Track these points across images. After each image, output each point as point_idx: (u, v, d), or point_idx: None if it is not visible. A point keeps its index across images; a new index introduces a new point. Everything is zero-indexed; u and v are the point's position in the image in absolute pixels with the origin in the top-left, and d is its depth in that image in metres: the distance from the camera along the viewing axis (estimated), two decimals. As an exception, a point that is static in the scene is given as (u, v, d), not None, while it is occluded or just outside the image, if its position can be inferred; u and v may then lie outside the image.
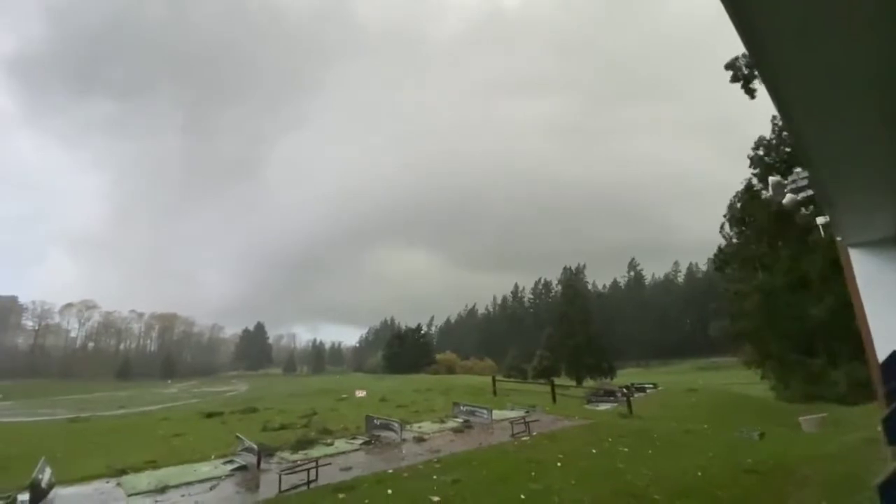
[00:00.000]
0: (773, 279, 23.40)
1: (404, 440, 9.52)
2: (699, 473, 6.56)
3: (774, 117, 24.16)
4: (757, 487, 5.94)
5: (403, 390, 22.86)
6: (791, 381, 22.81)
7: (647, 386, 24.36)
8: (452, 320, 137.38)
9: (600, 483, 6.09)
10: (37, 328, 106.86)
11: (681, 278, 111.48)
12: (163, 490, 6.47)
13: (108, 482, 6.99)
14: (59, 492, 6.46)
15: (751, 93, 21.45)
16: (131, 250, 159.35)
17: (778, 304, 22.53)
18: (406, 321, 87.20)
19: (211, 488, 6.57)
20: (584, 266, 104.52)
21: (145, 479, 7.03)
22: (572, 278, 79.35)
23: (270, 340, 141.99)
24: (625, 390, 17.64)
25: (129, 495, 6.30)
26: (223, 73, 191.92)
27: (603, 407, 15.07)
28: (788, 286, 22.41)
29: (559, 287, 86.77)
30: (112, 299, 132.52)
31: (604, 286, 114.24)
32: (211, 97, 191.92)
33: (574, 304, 56.98)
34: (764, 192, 25.05)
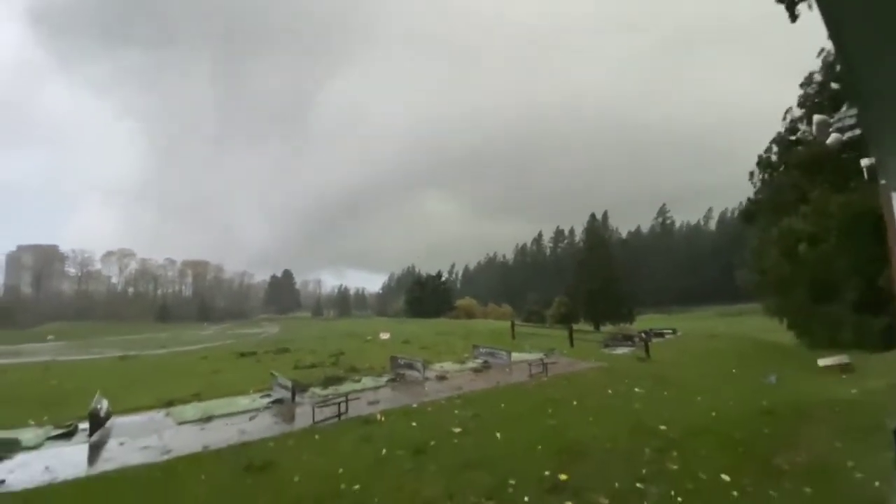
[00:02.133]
0: (801, 227, 22.44)
1: (427, 378, 10.01)
2: (713, 414, 6.75)
3: (823, 50, 22.00)
4: (771, 428, 6.09)
5: (425, 334, 23.72)
6: (814, 329, 22.55)
7: (666, 331, 24.50)
8: (472, 268, 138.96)
9: (616, 421, 6.34)
10: (79, 275, 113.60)
11: (713, 225, 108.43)
12: (208, 419, 7.08)
13: (158, 412, 7.69)
14: (116, 421, 7.15)
15: (793, 15, 19.28)
16: (166, 199, 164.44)
17: (803, 252, 21.77)
18: (428, 268, 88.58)
19: (251, 419, 7.15)
20: (608, 213, 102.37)
21: (191, 410, 7.69)
22: (596, 224, 77.99)
23: (298, 286, 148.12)
24: (643, 335, 17.81)
25: (179, 423, 6.93)
26: (265, 17, 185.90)
27: (620, 351, 15.33)
28: (816, 234, 21.48)
29: (583, 235, 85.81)
30: (147, 247, 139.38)
31: (628, 233, 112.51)
32: (251, 42, 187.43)
33: (595, 250, 56.58)
34: (807, 133, 23.40)
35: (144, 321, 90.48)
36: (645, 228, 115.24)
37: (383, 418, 6.73)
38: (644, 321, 48.99)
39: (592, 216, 74.41)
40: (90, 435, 6.25)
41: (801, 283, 22.47)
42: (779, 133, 25.55)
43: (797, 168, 23.22)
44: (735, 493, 4.04)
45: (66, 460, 5.37)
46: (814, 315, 22.40)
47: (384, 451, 5.26)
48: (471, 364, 12.05)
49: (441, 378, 10.18)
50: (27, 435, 6.33)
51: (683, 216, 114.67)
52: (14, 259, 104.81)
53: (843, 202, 20.17)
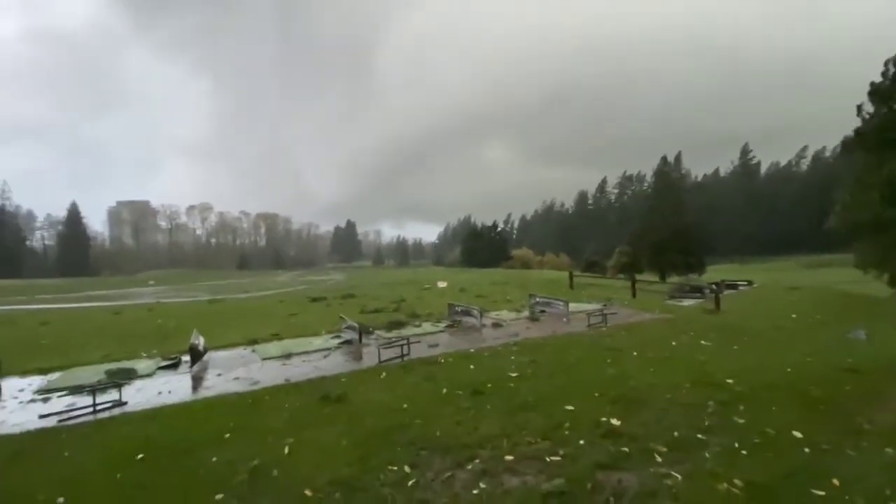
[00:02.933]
0: None
1: (483, 325, 10.29)
2: (788, 369, 6.37)
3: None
4: (854, 386, 5.66)
5: (481, 282, 24.06)
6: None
7: (740, 283, 22.93)
8: (529, 217, 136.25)
9: (678, 372, 6.20)
10: (169, 227, 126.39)
11: (805, 166, 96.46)
12: (288, 356, 7.88)
13: (245, 349, 8.66)
14: (212, 355, 8.17)
15: None
16: (239, 155, 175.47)
17: None
18: (485, 218, 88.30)
19: (324, 356, 7.85)
20: (681, 154, 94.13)
21: (273, 348, 8.58)
22: (667, 167, 71.95)
23: (359, 236, 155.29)
24: (714, 286, 16.80)
25: (263, 359, 7.78)
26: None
27: (687, 303, 14.65)
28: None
29: (652, 179, 79.99)
30: (225, 201, 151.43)
31: (704, 176, 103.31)
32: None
33: (663, 195, 52.82)
34: None
35: (228, 269, 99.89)
36: (725, 171, 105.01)
37: (443, 360, 7.09)
38: (716, 272, 45.90)
39: (664, 159, 68.94)
40: (191, 366, 7.23)
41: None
42: (892, 58, 21.46)
43: None
44: (807, 449, 3.88)
45: (174, 387, 6.31)
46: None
47: (444, 390, 5.60)
48: (526, 313, 12.16)
49: (497, 325, 10.42)
50: (141, 365, 7.45)
51: (773, 157, 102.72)
52: (115, 213, 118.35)
53: None
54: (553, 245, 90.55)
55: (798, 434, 4.17)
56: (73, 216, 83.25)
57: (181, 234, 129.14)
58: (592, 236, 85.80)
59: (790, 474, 3.44)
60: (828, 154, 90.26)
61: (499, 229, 78.29)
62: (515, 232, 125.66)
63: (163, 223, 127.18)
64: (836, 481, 3.32)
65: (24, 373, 7.18)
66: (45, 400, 5.85)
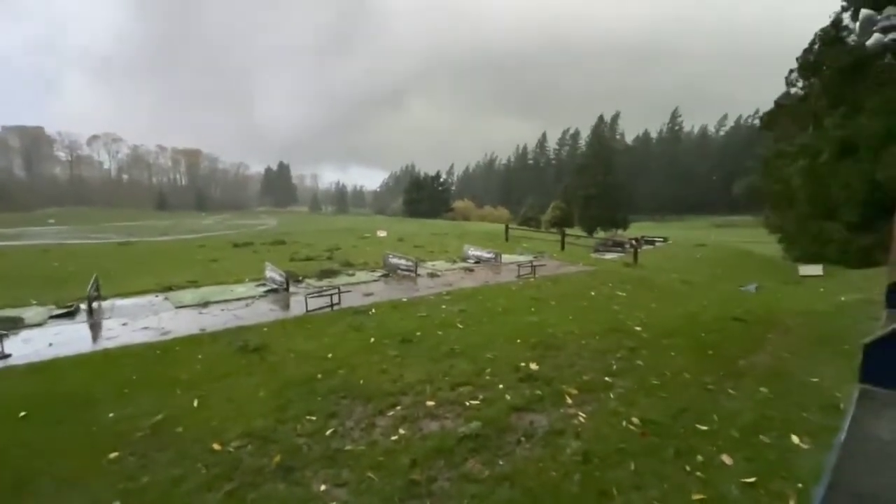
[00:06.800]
0: (825, 139, 21.43)
1: (419, 275, 10.31)
2: (688, 318, 7.07)
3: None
4: (740, 332, 6.43)
5: (421, 233, 24.01)
6: (803, 243, 22.93)
7: (656, 239, 24.93)
8: (471, 169, 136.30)
9: (594, 320, 6.65)
10: (70, 159, 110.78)
11: (723, 132, 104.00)
12: (205, 305, 7.37)
13: (157, 296, 7.97)
14: (117, 302, 7.44)
15: None
16: (156, 79, 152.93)
17: (823, 167, 21.10)
18: (429, 168, 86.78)
19: (247, 305, 7.45)
20: (618, 115, 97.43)
21: (189, 295, 7.98)
22: (602, 128, 74.52)
23: (294, 180, 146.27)
24: (633, 242, 18.11)
25: (177, 307, 7.22)
26: None
27: (609, 256, 15.70)
28: (841, 149, 20.61)
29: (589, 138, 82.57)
30: (136, 132, 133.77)
31: (635, 138, 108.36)
32: None
33: (596, 154, 55.03)
34: (851, 35, 21.16)
35: (144, 209, 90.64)
36: (654, 132, 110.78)
37: (374, 310, 7.02)
38: (638, 228, 49.54)
39: (600, 118, 71.17)
40: (90, 315, 6.53)
41: (804, 199, 22.28)
42: (822, 30, 23.11)
43: (839, 72, 21.38)
44: (694, 389, 4.35)
45: (70, 337, 5.67)
46: (805, 230, 22.63)
47: (372, 339, 5.56)
48: (462, 264, 12.35)
49: (432, 276, 10.48)
50: (30, 313, 6.61)
51: (699, 122, 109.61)
52: (1, 140, 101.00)
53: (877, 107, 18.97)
54: (494, 198, 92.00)
55: (688, 376, 4.66)
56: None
57: (85, 168, 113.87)
58: (532, 189, 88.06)
59: (680, 412, 3.85)
60: (742, 121, 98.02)
61: (441, 180, 77.66)
62: (456, 183, 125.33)
63: (61, 154, 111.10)
64: (716, 417, 3.77)
65: None
66: None
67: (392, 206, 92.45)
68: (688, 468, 3.00)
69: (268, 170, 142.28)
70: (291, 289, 8.52)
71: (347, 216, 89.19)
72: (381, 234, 22.49)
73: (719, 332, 6.31)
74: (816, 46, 23.25)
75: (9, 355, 4.96)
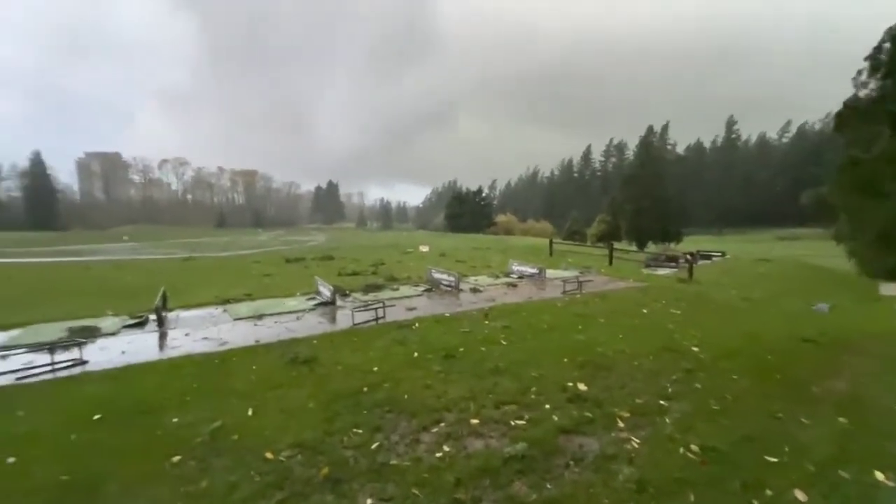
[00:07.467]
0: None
1: (461, 290, 10.30)
2: (750, 339, 6.58)
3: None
4: (812, 355, 5.89)
5: (463, 248, 24.07)
6: (881, 258, 20.74)
7: (713, 253, 23.54)
8: (514, 183, 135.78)
9: (646, 339, 6.34)
10: (142, 182, 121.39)
11: (787, 139, 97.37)
12: (259, 317, 7.75)
13: (216, 308, 8.47)
14: (181, 314, 7.98)
15: None
16: (222, 107, 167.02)
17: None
18: (473, 183, 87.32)
19: (297, 318, 7.74)
20: (668, 125, 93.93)
21: (245, 308, 8.42)
22: (652, 138, 71.78)
23: (342, 198, 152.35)
24: (688, 256, 17.17)
25: (234, 319, 7.63)
26: None
27: (662, 272, 14.97)
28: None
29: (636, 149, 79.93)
30: (201, 155, 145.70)
31: (687, 147, 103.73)
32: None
33: (645, 165, 52.97)
34: None
35: (205, 226, 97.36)
36: (708, 141, 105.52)
37: (417, 325, 7.08)
38: (692, 242, 47.01)
39: (650, 129, 68.69)
40: (158, 325, 7.04)
41: (882, 211, 20.24)
42: (892, 27, 21.23)
43: None
44: (761, 416, 4.02)
45: (140, 346, 6.14)
46: (889, 244, 20.47)
47: (416, 354, 5.60)
48: (505, 279, 12.22)
49: (475, 291, 10.44)
50: (106, 323, 7.23)
51: (756, 130, 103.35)
52: (84, 165, 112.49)
53: None
54: (537, 212, 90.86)
55: (753, 401, 4.31)
56: (37, 167, 78.73)
57: (155, 189, 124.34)
58: (576, 203, 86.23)
59: (745, 440, 3.56)
60: (808, 127, 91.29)
61: (483, 194, 77.87)
62: (497, 198, 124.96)
63: (135, 177, 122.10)
64: (787, 448, 3.45)
65: (-20, 329, 6.89)
66: (4, 357, 5.64)
67: (434, 222, 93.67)
68: (755, 503, 2.76)
69: (318, 188, 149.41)
70: (339, 302, 8.78)
71: (391, 232, 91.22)
72: (424, 249, 22.77)
73: (788, 355, 5.81)
74: (888, 45, 21.34)
75: (86, 361, 5.43)
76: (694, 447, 3.42)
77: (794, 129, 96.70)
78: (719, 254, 23.76)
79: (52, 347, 5.45)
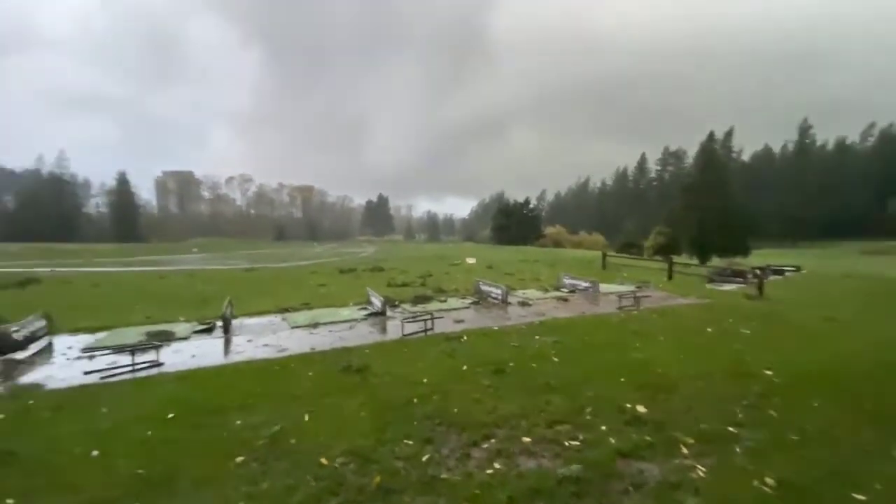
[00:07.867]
0: None
1: (509, 303, 10.17)
2: (833, 363, 5.94)
3: None
4: (910, 384, 5.21)
5: (511, 260, 23.81)
6: None
7: (786, 268, 21.65)
8: (563, 194, 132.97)
9: (712, 360, 5.91)
10: (211, 197, 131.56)
11: (870, 143, 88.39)
12: (315, 325, 8.07)
13: (276, 317, 8.93)
14: (244, 321, 8.48)
15: None
16: (283, 126, 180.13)
17: None
18: (521, 194, 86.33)
19: (350, 327, 7.99)
20: (732, 130, 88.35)
21: (302, 317, 8.81)
22: (714, 144, 67.50)
23: (391, 211, 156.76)
24: (758, 271, 15.90)
25: (292, 327, 8.00)
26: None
27: (727, 287, 13.96)
28: None
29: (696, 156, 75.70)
30: (264, 172, 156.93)
31: (753, 154, 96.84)
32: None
33: (707, 173, 49.78)
34: None
35: (266, 239, 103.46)
36: (780, 146, 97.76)
37: (465, 337, 7.05)
38: (761, 255, 43.49)
39: (711, 135, 64.53)
40: (224, 332, 7.53)
41: None
42: None
43: None
44: (847, 448, 3.61)
45: (207, 350, 6.60)
46: None
47: (464, 367, 5.57)
48: (555, 293, 11.92)
49: (524, 304, 10.27)
50: (179, 328, 7.83)
51: (837, 133, 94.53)
52: (161, 183, 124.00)
53: None
54: (587, 223, 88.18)
55: (839, 432, 3.88)
56: (122, 185, 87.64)
57: (223, 205, 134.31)
58: (631, 214, 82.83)
59: (830, 475, 3.21)
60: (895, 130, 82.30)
61: (531, 206, 76.77)
62: (545, 209, 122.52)
63: (206, 193, 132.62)
64: (879, 486, 3.07)
65: (74, 331, 7.70)
66: (91, 357, 6.26)
67: (480, 234, 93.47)
68: (847, 549, 2.46)
69: (368, 202, 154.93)
70: (388, 313, 8.96)
71: (437, 244, 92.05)
72: (470, 261, 22.76)
73: (881, 383, 5.19)
74: None
75: (162, 363, 5.90)
76: (769, 480, 3.12)
77: (876, 133, 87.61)
78: (793, 268, 21.80)
79: (133, 350, 5.98)
